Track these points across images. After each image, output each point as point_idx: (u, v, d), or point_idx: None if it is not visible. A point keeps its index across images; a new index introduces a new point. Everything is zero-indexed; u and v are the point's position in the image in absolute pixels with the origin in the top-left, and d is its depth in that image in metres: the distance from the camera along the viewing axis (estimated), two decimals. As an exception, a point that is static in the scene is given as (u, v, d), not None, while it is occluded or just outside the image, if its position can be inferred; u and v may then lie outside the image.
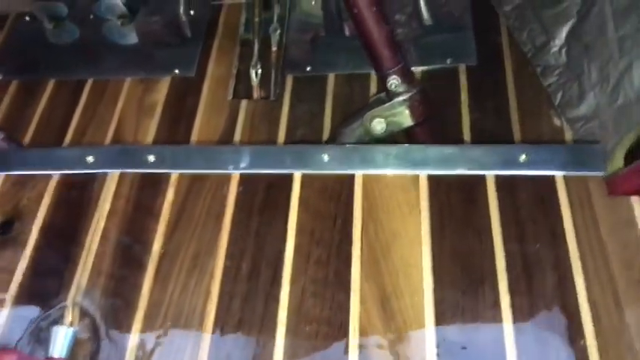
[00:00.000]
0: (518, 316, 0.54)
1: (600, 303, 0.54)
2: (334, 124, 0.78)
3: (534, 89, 0.78)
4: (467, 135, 0.73)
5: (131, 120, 0.80)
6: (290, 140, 0.76)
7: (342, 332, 0.55)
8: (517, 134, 0.72)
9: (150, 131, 0.78)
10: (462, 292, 0.56)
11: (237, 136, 0.77)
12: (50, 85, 0.87)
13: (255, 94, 0.86)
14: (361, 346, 0.54)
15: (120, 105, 0.83)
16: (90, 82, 0.87)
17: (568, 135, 0.72)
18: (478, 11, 0.89)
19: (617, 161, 0.70)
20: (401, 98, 0.69)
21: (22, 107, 0.85)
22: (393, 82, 0.68)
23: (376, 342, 0.54)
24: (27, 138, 0.80)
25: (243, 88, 0.86)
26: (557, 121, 0.76)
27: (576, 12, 0.81)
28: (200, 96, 0.83)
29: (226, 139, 0.77)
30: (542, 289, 0.55)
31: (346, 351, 0.54)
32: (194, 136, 0.77)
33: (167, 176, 0.67)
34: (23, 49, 0.92)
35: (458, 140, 0.73)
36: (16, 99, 0.86)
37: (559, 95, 0.80)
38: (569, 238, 0.58)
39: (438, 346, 0.54)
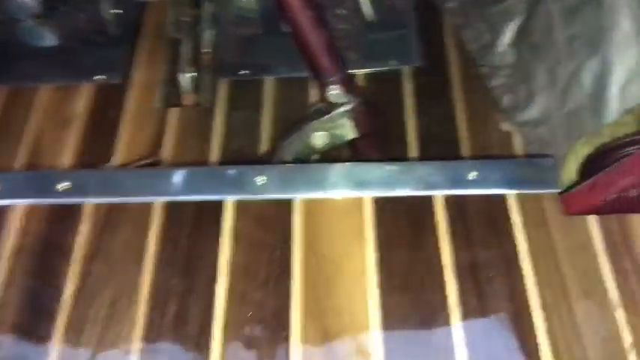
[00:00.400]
0: (473, 353, 0.50)
1: (560, 336, 0.50)
2: (273, 134, 0.72)
3: (482, 92, 0.75)
4: (413, 144, 0.69)
5: (47, 135, 0.73)
6: (226, 153, 0.70)
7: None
8: (465, 142, 0.69)
9: (68, 148, 0.71)
10: (413, 328, 0.51)
11: (166, 151, 0.71)
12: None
13: (186, 101, 0.80)
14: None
15: (34, 117, 0.75)
16: (1, 91, 0.77)
17: (517, 141, 0.69)
18: (422, 8, 0.84)
19: (570, 170, 0.67)
20: (342, 109, 0.64)
21: None
22: (334, 92, 0.63)
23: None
24: None
25: (172, 95, 0.80)
26: (505, 126, 0.73)
27: (521, 10, 0.78)
28: (125, 105, 0.76)
29: (154, 153, 0.70)
30: (497, 322, 0.51)
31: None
32: (118, 153, 0.71)
33: (81, 207, 0.60)
34: None
35: (404, 151, 0.69)
36: None
37: (506, 97, 0.76)
38: (524, 265, 0.54)
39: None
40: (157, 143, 0.72)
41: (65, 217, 0.59)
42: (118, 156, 0.71)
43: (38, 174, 0.64)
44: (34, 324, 0.54)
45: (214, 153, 0.71)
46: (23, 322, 0.54)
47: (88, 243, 0.58)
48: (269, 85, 0.78)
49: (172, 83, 0.82)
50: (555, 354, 0.50)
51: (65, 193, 0.60)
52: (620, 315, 0.51)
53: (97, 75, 0.80)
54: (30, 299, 0.55)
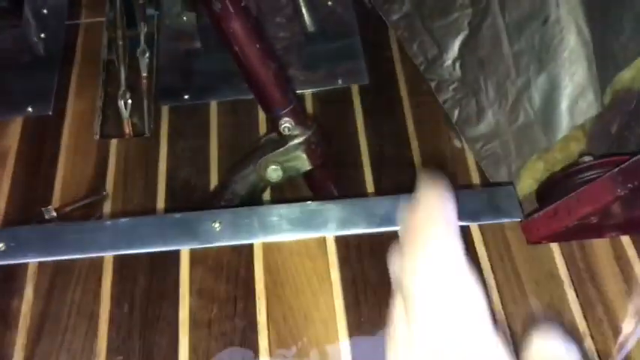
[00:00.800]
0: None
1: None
2: (222, 162, 0.70)
3: (430, 107, 0.75)
4: (367, 168, 0.69)
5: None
6: (174, 185, 0.67)
7: None
8: (417, 159, 0.69)
9: (2, 191, 0.66)
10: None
11: (109, 187, 0.67)
12: None
13: (127, 130, 0.76)
14: None
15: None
16: None
17: (470, 157, 0.69)
18: (364, 18, 0.83)
19: (525, 186, 0.68)
20: (296, 142, 0.62)
21: None
22: (286, 125, 0.60)
23: None
24: None
25: (111, 125, 0.76)
26: (457, 142, 0.73)
27: (467, 24, 0.78)
28: (61, 139, 0.72)
29: (96, 190, 0.66)
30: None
31: None
32: (57, 192, 0.67)
33: (24, 267, 0.55)
34: None
35: (359, 176, 0.68)
36: None
37: (456, 112, 0.76)
38: (493, 296, 0.54)
39: None
40: (98, 179, 0.68)
41: (8, 279, 0.55)
42: (57, 196, 0.67)
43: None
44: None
45: (161, 186, 0.68)
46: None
47: (35, 307, 0.53)
48: (213, 109, 0.75)
49: (111, 112, 0.77)
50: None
51: (4, 252, 0.55)
52: (588, 344, 0.51)
53: (27, 108, 0.75)
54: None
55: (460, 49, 0.78)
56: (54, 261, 0.56)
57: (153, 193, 0.67)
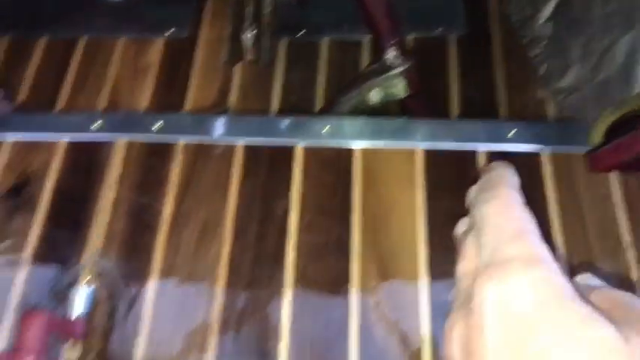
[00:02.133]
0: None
1: (577, 270, 0.59)
2: (327, 92, 0.80)
3: (521, 60, 0.82)
4: (456, 105, 0.77)
5: (125, 82, 0.81)
6: (284, 108, 0.78)
7: (344, 292, 0.60)
8: (503, 106, 0.76)
9: (145, 95, 0.79)
10: (453, 259, 0.61)
11: (231, 103, 0.79)
12: (42, 42, 0.87)
13: (248, 58, 0.88)
14: (361, 306, 0.59)
15: (113, 66, 0.83)
16: (82, 40, 0.86)
17: (551, 107, 0.76)
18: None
19: (597, 135, 0.75)
20: (398, 70, 0.72)
21: (14, 65, 0.85)
22: (391, 54, 0.71)
23: (374, 302, 0.59)
24: (21, 97, 0.80)
25: (236, 52, 0.87)
26: (541, 93, 0.80)
27: (564, -14, 0.84)
28: (193, 59, 0.84)
29: (220, 105, 0.79)
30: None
31: (347, 309, 0.59)
32: (188, 101, 0.79)
33: (174, 144, 0.70)
34: (13, 4, 0.90)
35: (447, 111, 0.77)
36: (7, 57, 0.86)
37: (543, 67, 0.84)
38: (552, 210, 0.63)
39: (430, 306, 0.59)
40: (223, 95, 0.81)
41: (161, 151, 0.69)
42: (189, 103, 0.80)
43: (134, 114, 0.73)
44: (138, 238, 0.64)
45: (274, 106, 0.79)
46: (129, 237, 0.65)
47: (182, 173, 0.68)
48: (324, 46, 0.85)
49: (236, 42, 0.90)
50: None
51: (159, 131, 0.70)
52: (630, 255, 0.60)
53: (167, 30, 0.87)
54: (135, 218, 0.66)
55: (554, 10, 0.85)
56: (197, 142, 0.70)
57: (267, 112, 0.78)
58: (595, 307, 0.27)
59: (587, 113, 0.77)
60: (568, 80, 0.81)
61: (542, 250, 0.30)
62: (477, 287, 0.29)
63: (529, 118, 0.73)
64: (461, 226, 0.41)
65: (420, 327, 0.58)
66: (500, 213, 0.33)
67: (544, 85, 0.82)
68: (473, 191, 0.39)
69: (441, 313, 0.59)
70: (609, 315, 0.27)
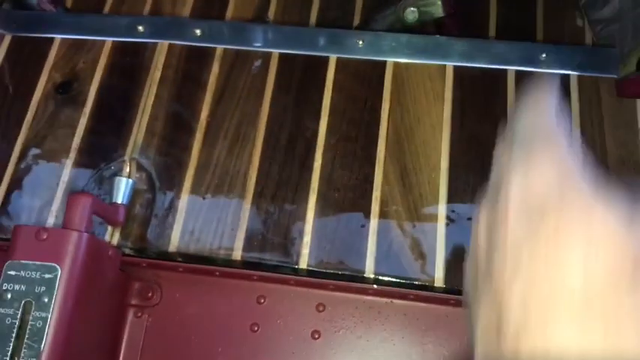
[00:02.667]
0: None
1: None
2: (365, 9, 0.81)
3: None
4: (492, 28, 0.77)
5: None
6: (322, 22, 0.80)
7: (366, 200, 0.63)
8: (540, 31, 0.76)
9: (187, 3, 0.81)
10: (474, 173, 0.64)
11: (270, 14, 0.81)
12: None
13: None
14: (381, 212, 0.63)
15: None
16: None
17: (588, 36, 0.76)
18: None
19: (630, 65, 0.75)
20: (434, -11, 0.72)
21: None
22: (429, -28, 0.71)
23: (395, 210, 0.63)
24: (69, 1, 0.83)
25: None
26: (579, 22, 0.79)
27: None
28: None
29: (260, 16, 0.80)
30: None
31: (368, 216, 0.63)
32: (229, 11, 0.80)
33: (213, 50, 0.72)
34: None
35: (483, 34, 0.77)
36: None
37: (585, -4, 0.83)
38: (574, 132, 0.65)
39: (447, 217, 0.62)
40: (264, 6, 0.82)
41: (200, 56, 0.72)
42: (230, 13, 0.81)
43: (177, 19, 0.76)
44: (177, 136, 0.68)
45: (313, 20, 0.80)
46: (168, 134, 0.69)
47: (219, 78, 0.71)
48: None
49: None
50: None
51: (199, 37, 0.73)
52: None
53: None
54: (174, 117, 0.69)
55: (602, -64, 0.83)
56: (235, 50, 0.73)
57: (305, 25, 0.80)
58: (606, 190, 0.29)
59: (623, 43, 0.77)
60: (609, 10, 0.80)
61: (568, 147, 0.31)
62: (505, 176, 0.31)
63: (564, 43, 0.73)
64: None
65: (437, 235, 0.61)
66: (534, 122, 0.34)
67: (584, 13, 0.81)
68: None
69: (457, 224, 0.62)
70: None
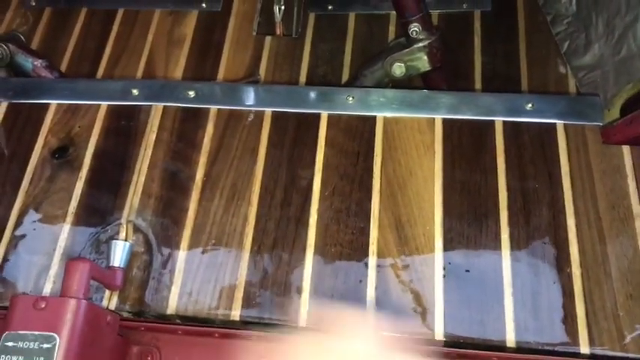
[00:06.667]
0: (515, 246, 0.63)
1: (587, 237, 0.62)
2: (354, 64, 0.84)
3: (544, 37, 0.83)
4: (478, 78, 0.80)
5: (161, 52, 0.86)
6: (312, 79, 0.82)
7: (363, 254, 0.64)
8: (524, 80, 0.79)
9: (179, 65, 0.84)
10: (468, 223, 0.64)
11: (261, 73, 0.83)
12: (82, 13, 0.92)
13: (278, 30, 0.91)
14: (378, 266, 0.63)
15: (150, 37, 0.88)
16: (120, 12, 0.91)
17: (571, 83, 0.78)
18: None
19: (615, 111, 0.77)
20: (421, 44, 0.74)
21: (56, 36, 0.90)
22: (415, 29, 0.73)
23: (391, 263, 0.63)
24: (63, 66, 0.85)
25: (267, 25, 0.91)
26: (562, 69, 0.82)
27: (589, -36, 0.85)
28: (226, 31, 0.88)
29: (251, 74, 0.83)
30: (537, 223, 0.64)
31: (365, 269, 0.63)
32: (221, 71, 0.83)
33: (206, 111, 0.74)
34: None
35: (469, 84, 0.79)
36: (49, 27, 0.91)
37: (566, 44, 0.85)
38: (565, 180, 0.66)
39: (444, 269, 0.63)
40: (254, 65, 0.85)
41: (195, 117, 0.74)
42: (222, 73, 0.84)
43: (170, 83, 0.78)
44: (173, 197, 0.69)
45: (303, 77, 0.83)
46: (164, 195, 0.69)
47: (214, 138, 0.72)
48: (351, 20, 0.88)
49: (267, 14, 0.93)
50: (582, 252, 0.62)
51: (193, 99, 0.75)
52: (639, 224, 0.63)
53: (201, 3, 0.91)
54: (170, 178, 0.70)
55: (579, -13, 0.86)
56: (228, 109, 0.74)
57: (295, 82, 0.82)
58: None
59: (606, 89, 0.79)
60: (590, 57, 0.83)
61: None
62: None
63: (549, 92, 0.75)
64: None
65: (434, 288, 0.62)
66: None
67: (566, 61, 0.84)
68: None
69: (453, 275, 0.62)
70: None
